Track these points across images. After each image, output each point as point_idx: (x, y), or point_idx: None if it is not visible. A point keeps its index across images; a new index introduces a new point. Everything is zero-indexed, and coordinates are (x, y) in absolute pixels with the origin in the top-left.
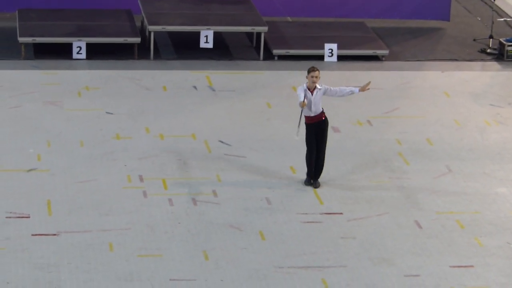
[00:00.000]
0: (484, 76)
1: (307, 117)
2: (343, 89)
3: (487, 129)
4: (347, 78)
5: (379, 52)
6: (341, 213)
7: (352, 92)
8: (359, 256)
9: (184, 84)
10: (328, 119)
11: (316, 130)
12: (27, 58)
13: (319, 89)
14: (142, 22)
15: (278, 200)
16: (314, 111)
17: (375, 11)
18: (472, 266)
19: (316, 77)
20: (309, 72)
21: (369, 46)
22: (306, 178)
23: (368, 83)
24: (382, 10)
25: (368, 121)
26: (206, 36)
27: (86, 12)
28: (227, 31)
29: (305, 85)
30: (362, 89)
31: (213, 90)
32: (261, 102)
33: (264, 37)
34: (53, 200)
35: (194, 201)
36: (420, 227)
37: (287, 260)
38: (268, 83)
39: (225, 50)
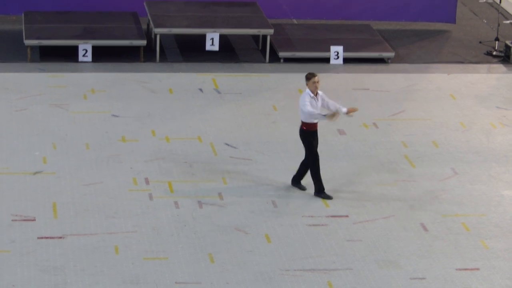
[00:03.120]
0: (490, 78)
1: (310, 124)
2: (333, 104)
3: (493, 132)
4: (353, 80)
5: (385, 54)
6: (347, 216)
7: (339, 110)
8: (365, 259)
9: (190, 87)
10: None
11: (315, 138)
12: (33, 60)
13: (320, 95)
14: (148, 25)
15: (284, 203)
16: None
17: (381, 13)
18: (477, 268)
19: (318, 82)
20: (309, 78)
21: (375, 48)
22: (324, 194)
23: (355, 109)
24: (388, 13)
25: (374, 124)
26: (212, 39)
27: (92, 15)
28: (233, 33)
29: (309, 92)
30: (348, 112)
31: (219, 92)
32: (267, 105)
33: (270, 39)
34: (59, 203)
35: (200, 204)
36: (426, 229)
37: (293, 263)
38: (274, 86)
39: (231, 53)
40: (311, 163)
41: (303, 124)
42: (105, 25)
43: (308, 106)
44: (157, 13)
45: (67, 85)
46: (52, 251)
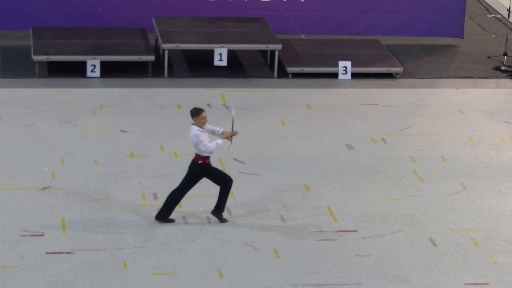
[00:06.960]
0: (498, 93)
1: (206, 157)
2: (213, 129)
3: (502, 147)
4: (361, 95)
5: (393, 69)
6: (356, 231)
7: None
8: (374, 274)
9: (198, 102)
10: (343, 136)
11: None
12: (41, 76)
13: (207, 127)
14: (156, 40)
15: (292, 218)
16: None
17: (389, 28)
18: (487, 283)
19: (206, 117)
20: (198, 114)
21: (383, 63)
22: (220, 215)
23: (231, 134)
24: (396, 28)
25: (382, 139)
26: (220, 54)
27: (100, 31)
28: (241, 49)
29: (198, 128)
30: (225, 135)
31: (227, 107)
32: (275, 120)
33: (278, 55)
34: (67, 218)
35: (208, 219)
36: (435, 244)
37: (302, 278)
38: (282, 101)
39: (239, 68)
40: (227, 185)
41: (200, 158)
42: (113, 41)
43: (207, 144)
44: (165, 29)
45: (75, 100)
46: (60, 266)
